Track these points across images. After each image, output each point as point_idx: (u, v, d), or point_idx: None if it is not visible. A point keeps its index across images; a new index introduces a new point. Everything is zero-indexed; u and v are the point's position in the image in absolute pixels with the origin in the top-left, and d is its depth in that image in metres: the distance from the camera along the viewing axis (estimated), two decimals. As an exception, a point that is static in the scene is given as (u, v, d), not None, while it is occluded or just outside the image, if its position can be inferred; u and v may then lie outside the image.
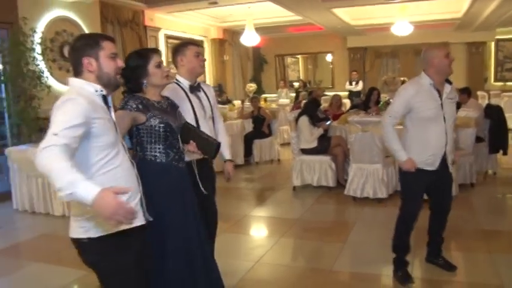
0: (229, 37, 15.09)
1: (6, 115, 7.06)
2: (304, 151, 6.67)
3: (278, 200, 6.59)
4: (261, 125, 8.86)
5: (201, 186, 3.03)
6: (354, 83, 13.92)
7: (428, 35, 14.76)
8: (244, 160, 8.70)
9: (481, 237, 4.60)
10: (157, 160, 2.66)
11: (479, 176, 7.09)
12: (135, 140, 2.69)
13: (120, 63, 2.21)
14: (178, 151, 2.73)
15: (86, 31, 8.72)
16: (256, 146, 8.77)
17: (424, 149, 3.45)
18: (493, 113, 7.33)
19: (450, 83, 3.51)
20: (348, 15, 12.72)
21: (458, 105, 7.35)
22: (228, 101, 12.19)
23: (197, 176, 3.03)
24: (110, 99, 2.22)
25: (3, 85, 7.00)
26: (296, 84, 16.01)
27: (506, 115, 7.76)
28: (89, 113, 1.99)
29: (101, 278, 2.20)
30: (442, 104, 3.41)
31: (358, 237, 4.86)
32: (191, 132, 2.75)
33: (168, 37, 12.32)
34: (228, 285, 3.62)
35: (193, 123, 3.10)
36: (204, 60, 3.34)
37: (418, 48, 15.99)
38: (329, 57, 17.73)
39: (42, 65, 7.27)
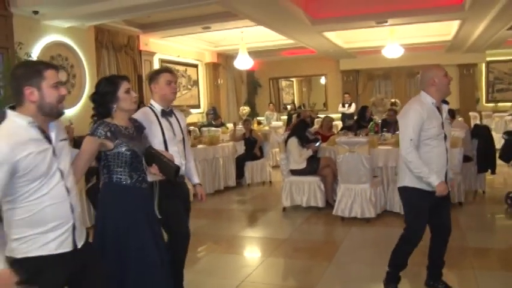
0: (223, 61, 15.30)
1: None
2: (294, 172, 6.75)
3: (268, 220, 6.65)
4: (252, 147, 8.95)
5: (156, 209, 3.14)
6: (346, 105, 14.07)
7: (419, 57, 14.98)
8: (236, 182, 8.75)
9: (465, 255, 4.65)
10: (123, 182, 2.80)
11: (469, 195, 7.18)
12: (102, 163, 2.83)
13: (64, 91, 2.21)
14: (141, 173, 2.88)
15: (81, 56, 8.89)
16: (248, 168, 8.84)
17: (428, 168, 3.42)
18: (481, 133, 7.44)
19: (447, 103, 3.57)
20: (339, 38, 12.94)
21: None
22: (222, 124, 12.31)
23: (155, 198, 3.17)
24: (52, 125, 2.21)
25: (-3, 109, 7.10)
26: (288, 107, 16.16)
27: (495, 135, 7.87)
28: (9, 157, 1.99)
29: None
30: (442, 123, 3.48)
31: (344, 257, 4.90)
32: (153, 157, 2.87)
33: (162, 61, 12.50)
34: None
35: (162, 144, 3.30)
36: (176, 88, 3.50)
37: (410, 70, 16.25)
38: (323, 80, 17.94)
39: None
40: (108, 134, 2.69)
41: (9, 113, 2.11)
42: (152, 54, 11.96)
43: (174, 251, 3.35)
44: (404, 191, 3.61)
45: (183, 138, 3.57)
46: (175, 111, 3.60)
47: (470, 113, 14.81)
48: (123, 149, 2.73)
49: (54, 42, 8.22)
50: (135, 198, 2.84)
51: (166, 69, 3.70)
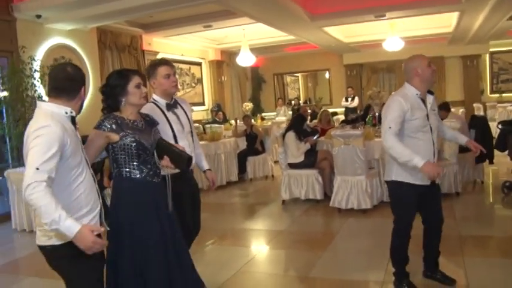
0: (227, 58, 15.45)
1: (7, 138, 7.40)
2: (292, 165, 6.90)
3: (267, 213, 6.81)
4: (254, 143, 9.11)
5: (169, 202, 3.03)
6: (349, 99, 14.15)
7: (422, 49, 14.76)
8: (238, 177, 8.92)
9: (456, 243, 4.76)
10: (132, 176, 2.80)
11: (467, 185, 7.27)
12: (110, 156, 2.84)
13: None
14: (152, 167, 2.87)
15: (84, 57, 9.07)
16: (250, 163, 9.00)
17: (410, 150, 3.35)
18: (478, 123, 7.52)
19: (432, 93, 3.52)
20: (340, 33, 13.02)
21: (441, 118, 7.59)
22: (226, 120, 12.47)
23: (169, 191, 3.04)
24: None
25: (3, 109, 7.33)
26: (292, 102, 16.29)
27: (493, 125, 7.95)
28: (61, 138, 2.21)
29: (65, 282, 2.43)
30: (427, 115, 3.44)
31: (339, 246, 5.07)
32: (164, 148, 2.89)
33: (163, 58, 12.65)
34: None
35: (171, 139, 3.26)
36: (176, 80, 3.45)
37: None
38: (327, 75, 18.02)
39: (40, 90, 7.58)
40: (114, 126, 2.71)
41: (45, 104, 2.38)
42: (155, 53, 12.12)
43: None
44: (390, 185, 3.60)
45: (191, 131, 3.54)
46: (179, 101, 3.55)
47: (474, 104, 14.83)
48: (128, 140, 2.73)
49: (57, 44, 8.41)
50: (146, 192, 2.84)
51: (162, 61, 3.50)
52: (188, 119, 3.51)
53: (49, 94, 2.41)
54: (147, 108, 3.24)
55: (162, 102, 3.39)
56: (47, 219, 2.07)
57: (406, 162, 3.29)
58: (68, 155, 2.27)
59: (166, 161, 2.88)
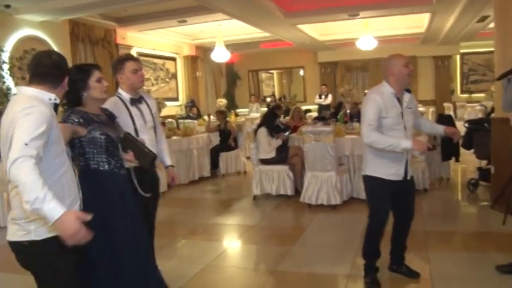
0: (202, 54, 15.42)
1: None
2: (263, 161, 6.94)
3: (238, 208, 6.84)
4: (227, 138, 9.12)
5: (139, 189, 3.16)
6: (323, 96, 14.26)
7: (395, 49, 14.93)
8: (210, 173, 8.94)
9: (422, 237, 4.87)
10: (101, 168, 2.82)
11: (434, 182, 7.43)
12: (77, 151, 2.83)
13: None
14: (119, 159, 2.90)
15: (56, 50, 8.93)
16: (223, 159, 9.01)
17: (387, 157, 3.47)
18: (445, 122, 7.65)
19: (409, 91, 3.57)
20: (314, 30, 13.13)
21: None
22: (199, 116, 12.45)
23: (135, 182, 3.17)
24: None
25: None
26: (268, 100, 16.35)
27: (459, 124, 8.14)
28: (49, 119, 2.15)
29: (37, 280, 2.33)
30: (402, 113, 3.47)
31: (308, 241, 5.13)
32: (131, 143, 2.91)
33: (140, 54, 12.58)
34: (176, 286, 3.86)
35: (132, 132, 3.27)
36: (143, 75, 3.48)
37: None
38: (302, 72, 18.14)
39: (9, 82, 7.45)
40: (81, 120, 2.72)
41: (29, 89, 2.29)
42: (129, 47, 12.04)
43: None
44: (366, 180, 3.67)
45: (154, 126, 3.57)
46: (145, 97, 3.58)
47: (445, 104, 15.16)
48: (97, 133, 2.74)
49: (27, 36, 8.28)
50: (114, 183, 2.86)
51: (130, 56, 3.59)
52: (152, 115, 3.56)
53: (31, 80, 2.33)
54: (111, 102, 3.30)
55: (127, 96, 3.42)
56: (31, 196, 1.90)
57: (394, 148, 3.36)
58: (53, 140, 2.20)
59: (130, 155, 2.92)
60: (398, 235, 3.80)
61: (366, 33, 12.12)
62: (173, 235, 5.43)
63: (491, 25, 6.48)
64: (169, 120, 10.97)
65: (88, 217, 2.08)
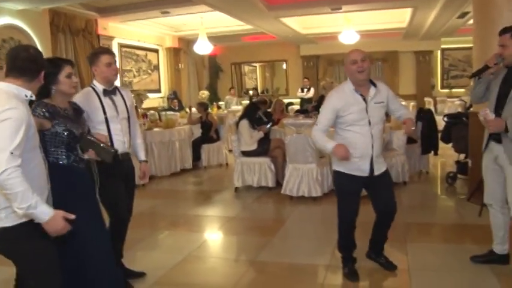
0: (185, 46, 15.32)
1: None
2: (245, 153, 6.96)
3: (220, 200, 6.87)
4: (209, 131, 9.11)
5: (97, 185, 3.16)
6: (305, 90, 14.30)
7: (378, 43, 15.39)
8: (192, 165, 8.92)
9: (401, 229, 4.94)
10: (60, 162, 2.84)
11: (414, 175, 7.54)
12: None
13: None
14: (78, 153, 2.92)
15: (35, 39, 8.82)
16: (205, 151, 9.01)
17: (351, 153, 3.43)
18: (425, 116, 7.79)
19: (375, 85, 3.54)
20: (297, 24, 13.14)
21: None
22: (181, 108, 12.41)
23: (96, 176, 3.19)
24: None
25: None
26: (251, 93, 16.35)
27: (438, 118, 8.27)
28: (28, 119, 2.23)
29: (17, 266, 2.44)
30: (367, 108, 3.46)
31: (288, 232, 5.17)
32: (89, 143, 2.91)
33: (122, 46, 12.47)
34: (155, 276, 3.87)
35: (103, 123, 3.40)
36: (116, 69, 3.55)
37: (369, 56, 16.54)
38: (285, 65, 18.17)
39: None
40: (47, 114, 2.74)
41: (6, 85, 2.31)
42: (111, 38, 11.90)
43: (111, 231, 3.41)
44: (335, 174, 3.72)
45: (128, 116, 3.61)
46: (121, 89, 3.65)
47: (425, 99, 15.33)
48: (61, 129, 2.78)
49: (5, 25, 8.14)
50: (72, 177, 2.87)
51: (104, 50, 3.68)
52: (126, 107, 3.61)
53: (7, 74, 2.36)
54: (84, 92, 3.44)
55: (100, 87, 3.50)
56: (24, 204, 2.14)
57: (324, 149, 3.59)
58: (29, 137, 2.25)
59: (91, 153, 2.93)
60: (378, 228, 3.85)
61: (348, 27, 12.16)
62: (154, 226, 5.43)
63: (471, 21, 6.59)
64: (151, 112, 10.91)
65: (72, 216, 2.34)
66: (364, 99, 3.48)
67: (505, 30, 3.44)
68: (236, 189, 7.03)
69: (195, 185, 8.14)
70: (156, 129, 8.37)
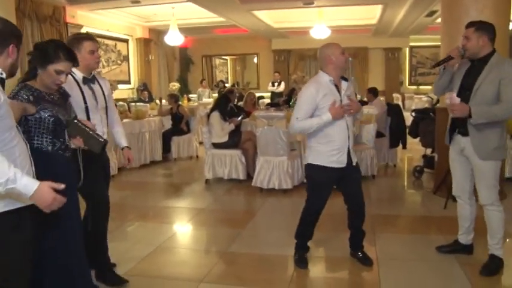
0: (155, 37, 15.16)
1: None
2: (216, 145, 6.95)
3: (190, 192, 6.84)
4: (179, 122, 9.05)
5: (82, 175, 3.04)
6: (276, 84, 14.35)
7: (348, 39, 15.48)
8: (162, 156, 8.86)
9: (369, 221, 5.01)
10: (44, 149, 2.72)
11: (381, 168, 7.68)
12: (22, 128, 2.64)
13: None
14: (64, 141, 2.82)
15: None
16: (175, 143, 8.95)
17: (328, 144, 3.55)
18: (393, 111, 7.94)
19: (346, 80, 3.66)
20: (269, 17, 13.17)
21: (363, 104, 7.95)
22: (151, 100, 12.28)
23: (80, 164, 3.05)
24: None
25: None
26: (219, 85, 16.29)
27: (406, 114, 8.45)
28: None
29: None
30: (341, 100, 3.55)
31: (258, 224, 5.21)
32: (79, 129, 2.83)
33: (87, 32, 12.20)
34: (125, 268, 3.83)
35: (83, 112, 3.25)
36: (99, 56, 3.44)
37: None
38: (256, 59, 18.18)
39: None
40: (31, 98, 2.62)
41: None
42: (80, 27, 11.63)
43: (94, 220, 3.38)
44: (307, 168, 3.80)
45: (106, 106, 3.52)
46: (98, 78, 3.52)
47: (394, 95, 15.62)
48: (46, 114, 2.66)
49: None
50: (57, 165, 2.75)
51: (88, 36, 3.45)
52: (104, 96, 3.51)
53: None
54: None
55: (80, 75, 3.33)
56: (2, 179, 1.94)
57: (320, 125, 3.50)
58: (3, 117, 2.09)
59: (79, 141, 2.85)
60: (351, 221, 3.91)
61: (319, 22, 12.26)
62: (124, 218, 5.36)
63: (439, 20, 6.75)
64: (121, 103, 10.76)
65: (61, 186, 2.15)
66: (338, 91, 3.57)
67: (471, 24, 3.54)
68: (207, 181, 7.02)
69: (165, 177, 8.09)
70: (125, 120, 8.25)
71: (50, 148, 2.74)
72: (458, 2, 5.47)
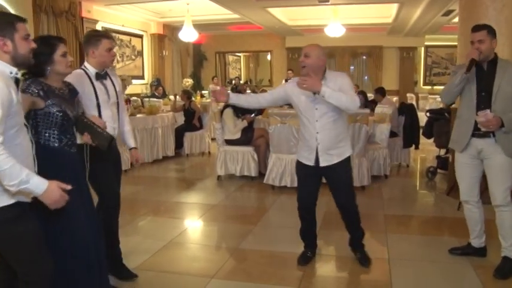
0: (169, 33, 15.18)
1: None
2: (228, 142, 6.95)
3: (202, 188, 6.85)
4: (192, 118, 9.07)
5: (87, 171, 3.07)
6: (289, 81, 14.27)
7: (363, 38, 15.49)
8: (175, 152, 8.89)
9: (382, 221, 5.01)
10: (51, 145, 2.74)
11: (394, 168, 7.64)
12: (30, 123, 2.69)
13: (33, 44, 2.33)
14: (71, 137, 2.83)
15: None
16: (187, 139, 8.96)
17: (302, 140, 3.69)
18: (407, 110, 7.88)
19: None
20: (284, 15, 13.12)
21: (375, 104, 7.91)
22: (165, 95, 12.31)
23: (86, 160, 3.07)
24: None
25: None
26: (233, 82, 16.27)
27: (420, 113, 8.38)
28: (9, 97, 2.07)
29: (1, 250, 2.29)
30: (314, 100, 3.46)
31: (269, 221, 5.21)
32: (86, 126, 2.86)
33: (105, 30, 12.28)
34: (137, 262, 3.85)
35: (95, 108, 3.28)
36: (114, 54, 3.47)
37: (354, 51, 16.78)
38: (270, 56, 18.14)
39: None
40: (41, 92, 2.63)
41: None
42: (95, 22, 11.69)
43: (105, 216, 3.38)
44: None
45: (117, 102, 3.54)
46: (110, 74, 3.54)
47: (408, 94, 15.50)
48: (55, 109, 2.66)
49: (-14, 3, 7.95)
50: (64, 161, 2.77)
51: (106, 35, 3.48)
52: (116, 92, 3.52)
53: None
54: (76, 74, 3.24)
55: (93, 71, 3.36)
56: (15, 181, 2.05)
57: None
58: (11, 116, 2.12)
59: (87, 137, 2.88)
60: (344, 221, 3.91)
61: (334, 21, 12.18)
62: (136, 213, 5.39)
63: (456, 19, 6.66)
64: (134, 98, 10.81)
65: (68, 187, 2.28)
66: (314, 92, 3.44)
67: (482, 27, 3.52)
68: (219, 177, 7.03)
69: (177, 172, 8.11)
70: (139, 115, 8.29)
71: (56, 144, 2.75)
72: (477, 1, 5.38)
